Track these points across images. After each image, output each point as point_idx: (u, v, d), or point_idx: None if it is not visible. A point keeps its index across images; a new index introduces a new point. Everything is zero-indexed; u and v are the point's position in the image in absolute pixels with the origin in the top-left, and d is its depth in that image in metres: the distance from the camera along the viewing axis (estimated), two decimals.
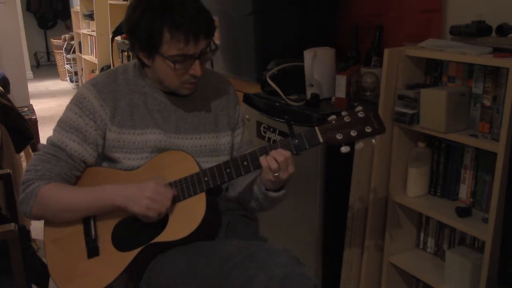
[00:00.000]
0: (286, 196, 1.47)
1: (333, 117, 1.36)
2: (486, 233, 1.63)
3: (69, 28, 8.76)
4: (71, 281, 1.39)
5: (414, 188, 1.93)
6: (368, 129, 1.34)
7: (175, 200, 1.37)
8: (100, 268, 1.38)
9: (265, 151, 1.35)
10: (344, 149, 1.34)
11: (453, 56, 1.71)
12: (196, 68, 1.37)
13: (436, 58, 1.81)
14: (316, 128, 1.35)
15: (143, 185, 1.35)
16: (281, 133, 2.13)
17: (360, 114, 1.35)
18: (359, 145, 1.36)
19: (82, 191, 1.40)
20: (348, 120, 1.34)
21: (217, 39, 1.42)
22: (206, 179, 1.36)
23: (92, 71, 6.37)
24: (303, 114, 1.99)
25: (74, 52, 7.28)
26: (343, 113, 1.36)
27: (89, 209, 1.40)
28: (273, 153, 1.33)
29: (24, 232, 1.98)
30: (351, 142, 1.35)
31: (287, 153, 1.33)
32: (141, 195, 1.32)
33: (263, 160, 1.34)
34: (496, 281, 1.66)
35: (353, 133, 1.33)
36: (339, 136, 1.34)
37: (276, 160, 1.32)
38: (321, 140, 1.34)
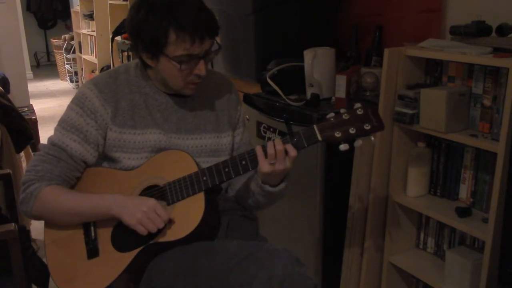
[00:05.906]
0: (284, 194, 1.45)
1: (332, 114, 1.34)
2: (486, 233, 1.63)
3: (69, 28, 8.76)
4: (71, 282, 1.39)
5: (414, 188, 1.93)
6: (367, 126, 1.31)
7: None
8: (100, 269, 1.38)
9: (263, 149, 1.34)
10: (343, 147, 1.32)
11: (453, 56, 1.71)
12: (201, 68, 1.37)
13: (436, 58, 1.81)
14: (315, 126, 1.33)
15: (143, 199, 1.35)
16: (281, 133, 2.12)
17: (359, 112, 1.32)
18: (358, 143, 1.33)
19: (81, 197, 1.40)
20: (346, 118, 1.32)
21: (217, 39, 1.42)
22: (204, 178, 1.36)
23: (92, 71, 6.37)
24: (303, 114, 1.99)
25: (74, 52, 7.28)
26: (342, 111, 1.34)
27: (87, 216, 1.40)
28: (273, 141, 1.32)
29: (24, 232, 1.98)
30: (350, 140, 1.32)
31: (286, 145, 1.32)
32: (137, 208, 1.32)
33: (258, 148, 1.32)
34: (496, 281, 1.66)
35: (351, 131, 1.31)
36: (337, 134, 1.32)
37: (274, 147, 1.31)
38: (319, 138, 1.32)
